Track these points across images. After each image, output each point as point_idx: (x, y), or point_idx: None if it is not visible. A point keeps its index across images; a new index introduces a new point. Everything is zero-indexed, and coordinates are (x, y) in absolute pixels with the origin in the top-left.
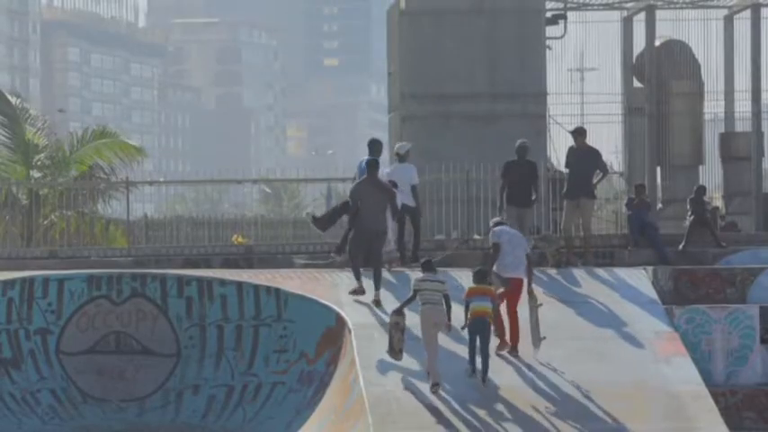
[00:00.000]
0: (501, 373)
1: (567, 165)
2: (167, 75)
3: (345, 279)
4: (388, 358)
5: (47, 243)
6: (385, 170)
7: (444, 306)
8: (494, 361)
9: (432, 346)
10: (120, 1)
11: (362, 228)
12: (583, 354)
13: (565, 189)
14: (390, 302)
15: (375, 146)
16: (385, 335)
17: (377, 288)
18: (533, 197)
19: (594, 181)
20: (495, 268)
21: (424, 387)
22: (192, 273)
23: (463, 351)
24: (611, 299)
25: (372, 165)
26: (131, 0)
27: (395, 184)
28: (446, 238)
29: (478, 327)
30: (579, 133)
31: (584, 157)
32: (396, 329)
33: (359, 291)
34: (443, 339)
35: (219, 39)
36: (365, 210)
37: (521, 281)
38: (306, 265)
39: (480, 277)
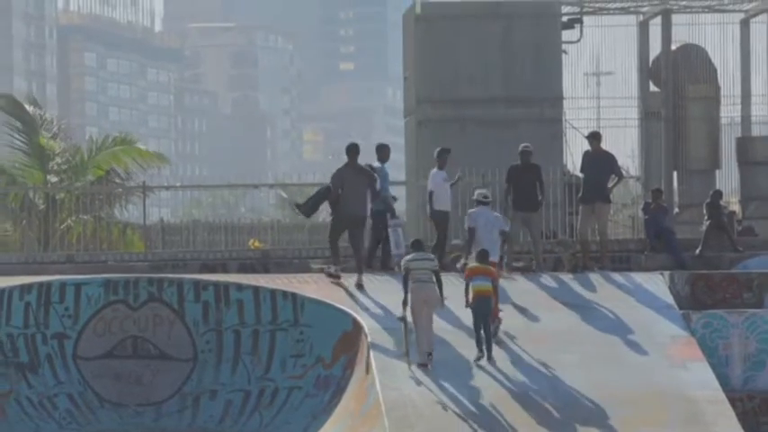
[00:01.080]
0: (516, 376)
1: (583, 169)
2: (183, 79)
3: (363, 283)
4: (403, 362)
5: (64, 248)
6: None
7: (435, 284)
8: (510, 366)
9: (421, 323)
10: (137, 5)
11: (344, 212)
12: (599, 359)
13: (580, 193)
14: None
15: (383, 150)
16: (403, 340)
17: (360, 272)
18: (539, 200)
19: (610, 185)
20: (471, 251)
21: (441, 391)
22: (208, 277)
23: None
24: (628, 303)
25: (353, 149)
26: (147, 5)
27: (374, 169)
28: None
29: (480, 306)
30: (595, 137)
31: (600, 161)
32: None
33: (335, 275)
34: (452, 338)
35: (235, 43)
36: (347, 194)
37: (494, 264)
38: (322, 270)
39: (482, 257)
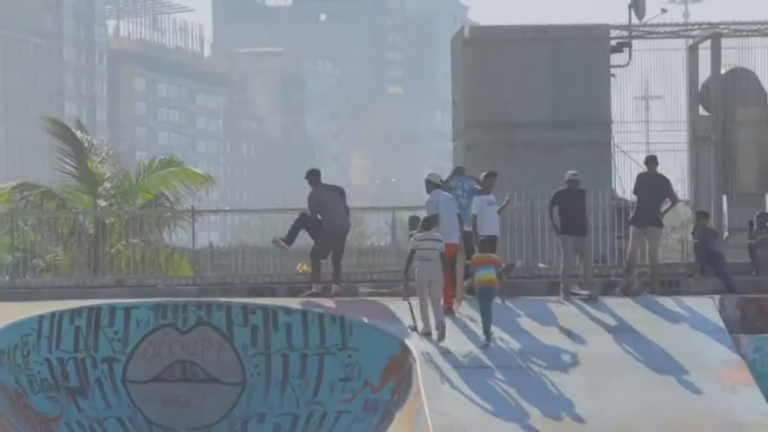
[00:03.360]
0: (566, 401)
1: (636, 191)
2: (232, 104)
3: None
4: (452, 387)
5: (113, 272)
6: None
7: (440, 263)
8: (559, 390)
9: (424, 300)
10: (186, 31)
11: (331, 229)
12: (649, 382)
13: (632, 215)
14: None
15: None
16: (451, 364)
17: (337, 282)
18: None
19: (663, 209)
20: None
21: (490, 415)
22: (257, 301)
23: None
24: (678, 327)
25: (314, 174)
26: (197, 30)
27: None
28: (510, 266)
29: (484, 295)
30: (652, 161)
31: (655, 184)
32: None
33: (317, 293)
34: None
35: (284, 68)
36: (329, 212)
37: (455, 246)
38: (370, 294)
39: (485, 246)
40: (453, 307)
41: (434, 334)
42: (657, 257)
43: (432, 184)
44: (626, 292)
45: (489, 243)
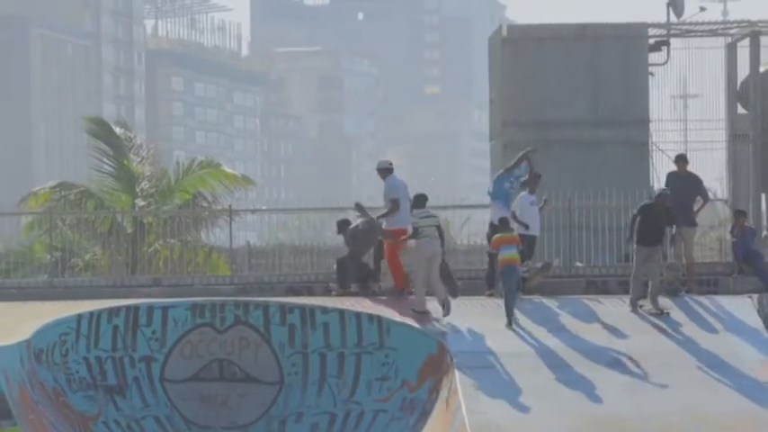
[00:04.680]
0: (605, 399)
1: None
2: (270, 103)
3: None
4: (490, 386)
5: (151, 271)
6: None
7: (439, 239)
8: (598, 388)
9: (421, 276)
10: (224, 30)
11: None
12: (689, 382)
13: None
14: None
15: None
16: (488, 363)
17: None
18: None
19: (696, 208)
20: (386, 222)
21: (527, 414)
22: (294, 300)
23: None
24: (716, 327)
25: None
26: (234, 29)
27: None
28: (548, 265)
29: (508, 274)
30: (682, 159)
31: (686, 183)
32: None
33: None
34: (538, 362)
35: (321, 67)
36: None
37: (407, 231)
38: (409, 293)
39: (504, 226)
40: (404, 288)
41: (441, 312)
42: (693, 257)
43: (386, 171)
44: (668, 291)
45: (507, 222)
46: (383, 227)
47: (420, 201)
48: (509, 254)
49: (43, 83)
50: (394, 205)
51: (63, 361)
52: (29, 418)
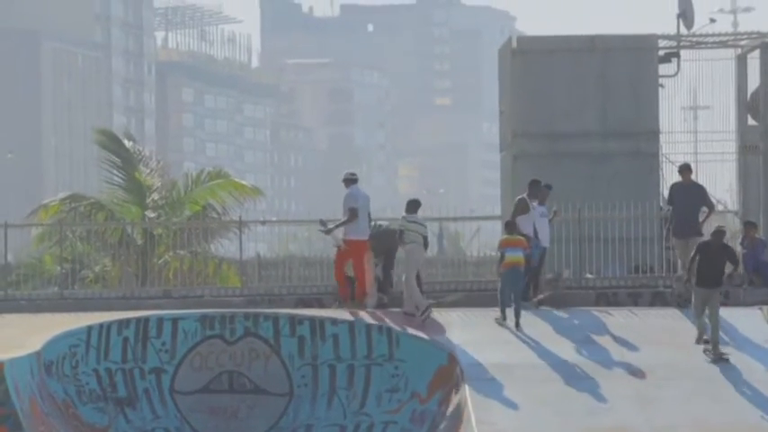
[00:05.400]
0: (614, 410)
1: (672, 201)
2: (280, 115)
3: (457, 318)
4: (499, 398)
5: (161, 283)
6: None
7: (423, 246)
8: (608, 399)
9: (413, 282)
10: (234, 42)
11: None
12: (697, 394)
13: (671, 227)
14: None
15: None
16: (498, 374)
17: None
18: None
19: (701, 219)
20: (344, 231)
21: (537, 425)
22: (304, 312)
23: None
24: (726, 339)
25: (411, 204)
26: (245, 41)
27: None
28: (558, 276)
29: (513, 276)
30: (686, 169)
31: (691, 193)
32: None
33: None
34: (549, 374)
35: (331, 79)
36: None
37: (366, 243)
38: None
39: (511, 228)
40: (363, 301)
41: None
42: None
43: (349, 181)
44: (677, 303)
45: (513, 225)
46: (341, 236)
47: (412, 206)
48: (514, 256)
49: (54, 95)
50: (351, 214)
51: (73, 373)
52: (39, 430)
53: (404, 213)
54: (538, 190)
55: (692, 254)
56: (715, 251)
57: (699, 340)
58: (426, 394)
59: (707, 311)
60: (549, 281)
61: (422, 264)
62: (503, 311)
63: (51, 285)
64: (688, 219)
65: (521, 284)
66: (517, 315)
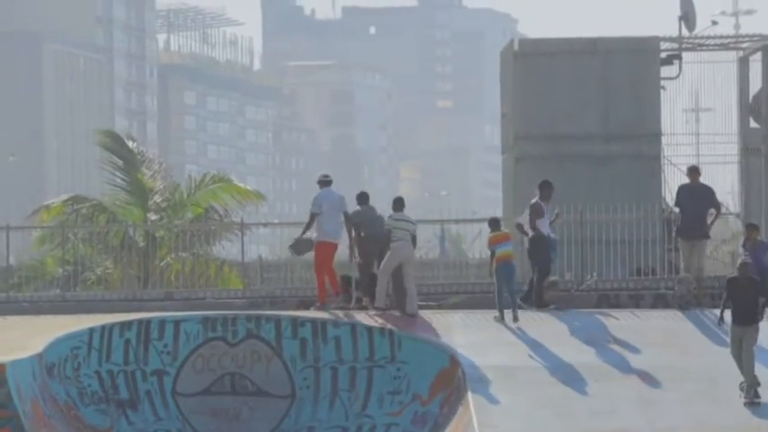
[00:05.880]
0: (616, 412)
1: (679, 203)
2: (282, 117)
3: (459, 321)
4: (502, 400)
5: (163, 285)
6: None
7: (412, 244)
8: (610, 401)
9: (386, 277)
10: (236, 44)
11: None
12: (699, 396)
13: (678, 228)
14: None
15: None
16: (500, 377)
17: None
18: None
19: (709, 221)
20: (310, 233)
21: (539, 428)
22: (306, 314)
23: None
24: (727, 341)
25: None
26: (246, 44)
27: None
28: (560, 279)
29: (506, 270)
30: (695, 171)
31: (699, 195)
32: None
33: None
34: (549, 377)
35: (333, 81)
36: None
37: (336, 245)
38: (420, 307)
39: (495, 224)
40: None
41: (408, 308)
42: (704, 269)
43: (320, 183)
44: (680, 305)
45: (497, 222)
46: (313, 238)
47: (398, 204)
48: (505, 251)
49: (56, 97)
50: (310, 219)
51: (75, 375)
52: None
53: (390, 212)
54: (550, 191)
55: (724, 293)
56: (743, 286)
57: (745, 388)
58: (428, 396)
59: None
60: (550, 284)
61: (413, 261)
62: (501, 311)
63: (53, 287)
64: (695, 221)
65: (515, 277)
66: (514, 309)
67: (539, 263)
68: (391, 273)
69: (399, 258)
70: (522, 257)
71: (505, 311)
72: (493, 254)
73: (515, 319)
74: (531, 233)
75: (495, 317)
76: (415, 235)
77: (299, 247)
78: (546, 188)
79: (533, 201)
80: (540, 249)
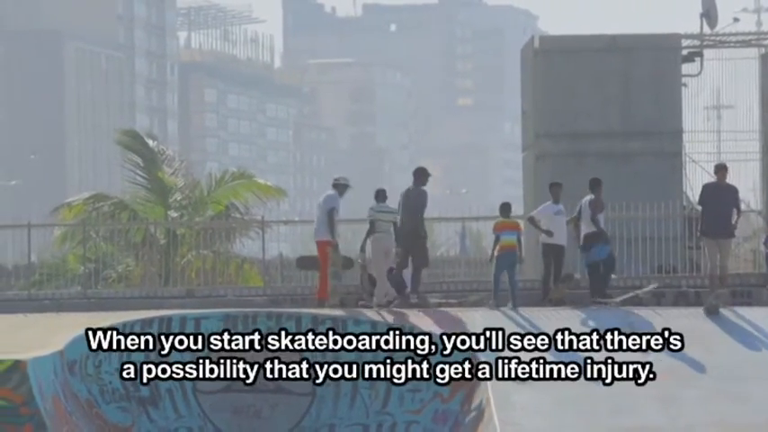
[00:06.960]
0: (636, 411)
1: (703, 201)
2: (302, 115)
3: (479, 318)
4: (522, 398)
5: (184, 282)
6: None
7: (393, 235)
8: (631, 400)
9: (383, 272)
10: (257, 42)
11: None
12: (720, 394)
13: (702, 227)
14: None
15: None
16: (520, 374)
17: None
18: None
19: (733, 221)
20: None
21: (560, 426)
22: (326, 312)
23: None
24: (749, 339)
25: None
26: (267, 41)
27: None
28: (580, 276)
29: (508, 259)
30: (723, 169)
31: (724, 194)
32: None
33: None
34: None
35: (354, 79)
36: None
37: (327, 242)
38: (440, 304)
39: (506, 210)
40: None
41: (376, 299)
42: (727, 267)
43: (338, 186)
44: (710, 310)
45: (507, 208)
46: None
47: (381, 195)
48: (509, 239)
49: (77, 95)
50: (381, 194)
51: (96, 372)
52: (62, 429)
53: (373, 204)
54: (559, 190)
55: None
56: None
57: None
58: (449, 394)
59: None
60: (562, 280)
61: (393, 253)
62: (496, 297)
63: (74, 285)
64: (720, 219)
65: (514, 264)
66: (513, 298)
67: (600, 256)
68: (383, 265)
69: (383, 250)
70: (570, 252)
71: (502, 295)
72: (497, 239)
73: (514, 307)
74: (544, 229)
75: (490, 303)
76: (396, 222)
77: (346, 263)
78: (554, 189)
79: (589, 198)
80: (601, 244)
